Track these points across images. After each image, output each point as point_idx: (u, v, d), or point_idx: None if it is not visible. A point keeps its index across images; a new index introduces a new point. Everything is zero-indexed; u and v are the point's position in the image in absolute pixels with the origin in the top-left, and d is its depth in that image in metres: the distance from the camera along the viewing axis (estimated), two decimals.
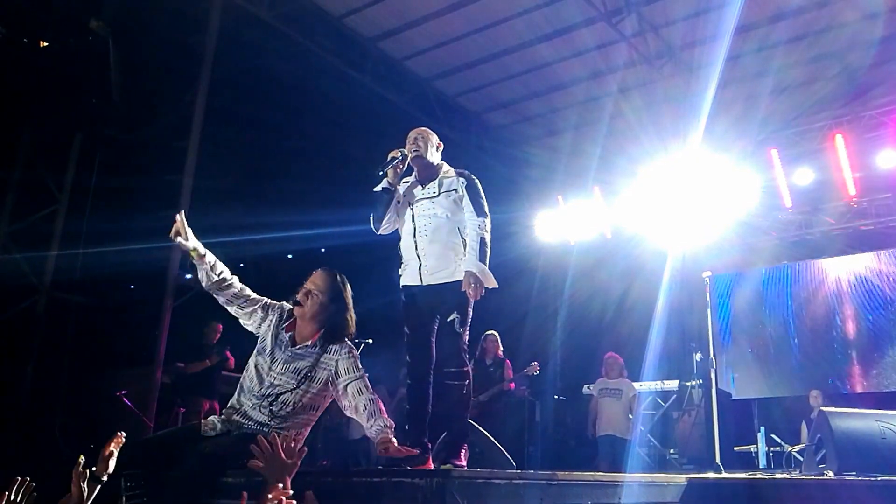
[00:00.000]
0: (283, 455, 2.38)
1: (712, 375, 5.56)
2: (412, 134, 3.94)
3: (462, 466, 3.60)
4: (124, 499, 2.97)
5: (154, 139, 7.03)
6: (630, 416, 7.41)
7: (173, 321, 7.51)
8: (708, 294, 5.78)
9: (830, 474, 4.36)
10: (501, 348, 7.41)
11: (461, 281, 3.67)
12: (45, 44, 6.27)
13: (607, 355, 7.80)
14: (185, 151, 7.04)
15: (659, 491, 3.68)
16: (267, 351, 3.36)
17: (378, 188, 3.89)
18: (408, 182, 3.94)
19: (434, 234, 3.77)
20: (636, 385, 8.06)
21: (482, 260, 3.72)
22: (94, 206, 7.58)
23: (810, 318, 10.33)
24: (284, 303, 3.50)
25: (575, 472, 3.72)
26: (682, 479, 3.85)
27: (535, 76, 9.34)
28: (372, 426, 3.22)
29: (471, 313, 3.78)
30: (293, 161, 8.05)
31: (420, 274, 3.76)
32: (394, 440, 3.18)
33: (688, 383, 8.25)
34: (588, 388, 8.40)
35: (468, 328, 3.78)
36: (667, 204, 8.83)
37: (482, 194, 3.87)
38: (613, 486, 3.41)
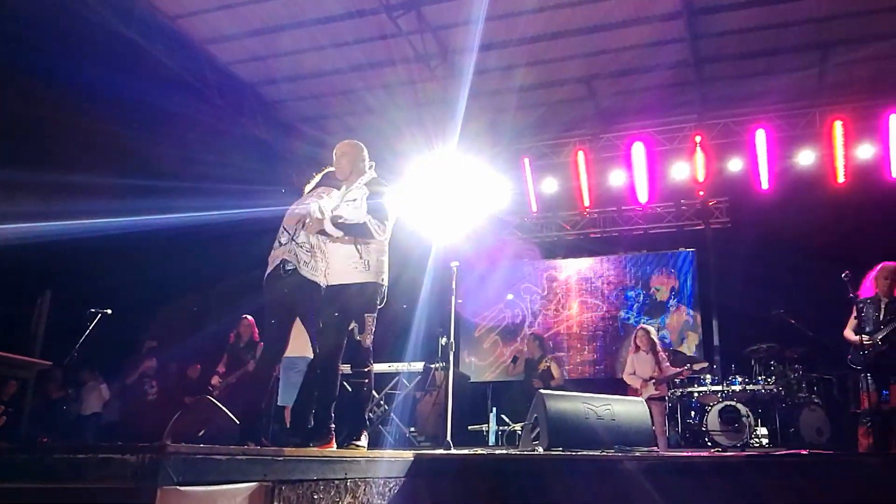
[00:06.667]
0: None
1: (451, 358, 5.93)
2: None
3: (363, 446, 4.25)
4: None
5: None
6: None
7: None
8: (454, 282, 6.16)
9: (540, 450, 4.78)
10: (257, 332, 7.26)
11: (359, 287, 4.34)
12: None
13: None
14: None
15: (387, 467, 3.88)
16: None
17: None
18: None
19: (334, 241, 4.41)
20: (385, 366, 8.36)
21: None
22: None
23: (542, 312, 11.68)
24: None
25: (303, 449, 3.80)
26: (409, 455, 4.11)
27: (312, 57, 9.21)
28: None
29: (369, 321, 4.39)
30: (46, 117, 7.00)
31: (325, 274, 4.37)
32: None
33: (433, 365, 8.75)
34: None
35: (372, 333, 4.42)
36: (431, 198, 9.31)
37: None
38: (341, 462, 3.53)
